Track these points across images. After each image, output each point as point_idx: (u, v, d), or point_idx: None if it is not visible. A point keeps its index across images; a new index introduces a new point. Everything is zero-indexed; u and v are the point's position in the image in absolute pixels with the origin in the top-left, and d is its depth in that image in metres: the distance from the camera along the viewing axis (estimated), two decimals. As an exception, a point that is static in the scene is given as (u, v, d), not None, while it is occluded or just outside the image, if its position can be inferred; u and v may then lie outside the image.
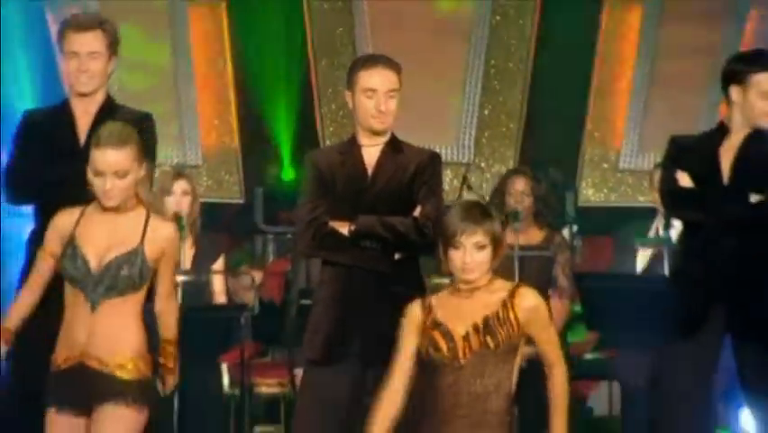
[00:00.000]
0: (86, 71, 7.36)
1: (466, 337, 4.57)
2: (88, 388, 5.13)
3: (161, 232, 5.25)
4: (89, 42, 7.33)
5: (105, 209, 5.20)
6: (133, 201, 5.26)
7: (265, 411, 10.96)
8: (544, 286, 9.76)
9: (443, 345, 4.59)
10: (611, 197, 13.46)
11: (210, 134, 13.66)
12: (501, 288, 4.67)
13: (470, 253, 4.57)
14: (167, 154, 10.01)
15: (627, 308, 9.22)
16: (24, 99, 11.98)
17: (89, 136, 7.00)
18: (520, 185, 10.29)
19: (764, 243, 7.58)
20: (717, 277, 7.46)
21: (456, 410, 4.60)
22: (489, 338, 4.53)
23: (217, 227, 11.49)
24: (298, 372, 7.91)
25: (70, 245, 5.15)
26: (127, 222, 5.19)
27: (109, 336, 5.13)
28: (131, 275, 5.06)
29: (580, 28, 13.90)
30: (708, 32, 13.82)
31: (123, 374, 5.11)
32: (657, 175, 8.63)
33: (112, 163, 5.15)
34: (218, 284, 10.06)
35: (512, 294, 4.60)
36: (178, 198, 9.77)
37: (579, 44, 13.82)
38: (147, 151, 7.04)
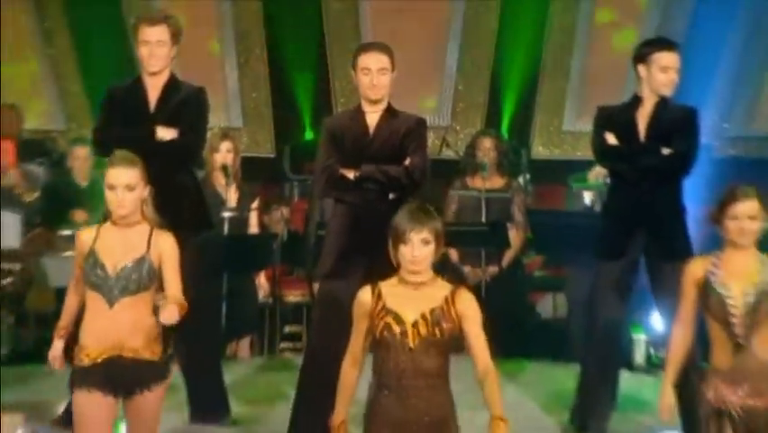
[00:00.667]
0: (155, 56, 7.41)
1: (415, 324, 4.34)
2: (125, 374, 4.96)
3: (163, 242, 5.12)
4: (157, 34, 7.37)
5: (116, 224, 5.08)
6: (140, 217, 5.09)
7: (292, 315, 10.91)
8: (504, 220, 10.02)
9: (395, 328, 4.35)
10: (555, 152, 13.47)
11: (249, 104, 13.72)
12: (443, 286, 4.48)
13: (418, 248, 4.34)
14: (215, 120, 9.59)
15: (566, 236, 9.73)
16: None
17: (158, 104, 7.47)
18: (487, 143, 10.45)
19: (671, 185, 7.76)
20: (635, 212, 7.61)
21: (408, 382, 4.37)
22: (436, 329, 4.32)
23: (255, 176, 11.45)
24: (316, 285, 8.03)
25: (91, 256, 4.99)
26: (135, 235, 5.06)
27: (130, 328, 4.98)
28: (140, 278, 4.95)
29: (533, 25, 13.72)
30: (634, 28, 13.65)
31: (153, 357, 5.00)
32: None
33: (123, 179, 4.99)
34: (254, 219, 10.26)
35: (453, 293, 4.41)
36: (224, 154, 9.89)
37: (533, 38, 13.63)
38: (201, 117, 7.72)
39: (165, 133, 7.39)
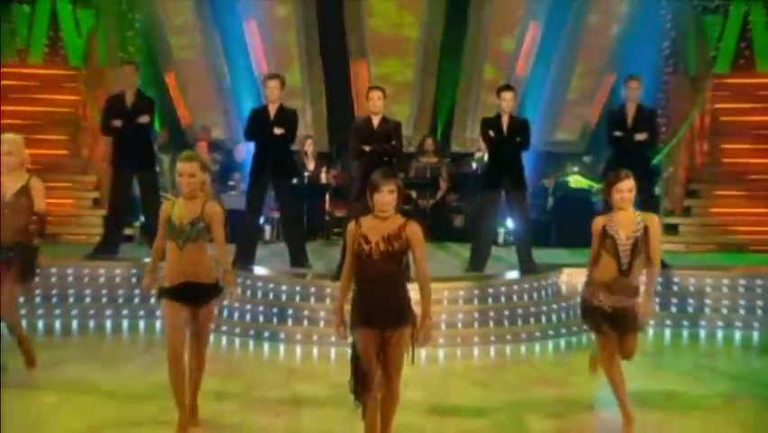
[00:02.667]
0: (273, 94, 8.14)
1: (377, 243, 4.16)
2: (192, 293, 4.73)
3: (211, 209, 4.74)
4: (274, 84, 8.08)
5: (184, 198, 4.76)
6: (199, 193, 4.76)
7: (338, 222, 10.41)
8: (437, 177, 10.67)
9: (365, 246, 4.17)
10: (462, 147, 12.18)
11: (320, 113, 12.25)
12: (400, 219, 4.24)
13: (386, 195, 4.14)
14: (301, 131, 9.21)
15: (466, 184, 10.80)
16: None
17: (275, 116, 8.10)
18: (429, 141, 11.11)
19: (518, 157, 8.33)
20: (501, 169, 8.29)
21: (376, 280, 4.20)
22: (390, 246, 4.15)
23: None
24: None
25: (169, 218, 4.72)
26: (195, 205, 4.72)
27: (195, 263, 4.74)
28: (199, 230, 4.70)
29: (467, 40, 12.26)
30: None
31: (211, 280, 4.79)
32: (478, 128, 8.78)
33: (186, 170, 4.69)
34: (323, 177, 10.71)
35: (405, 223, 4.20)
36: (307, 146, 10.62)
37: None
38: (295, 124, 8.26)
39: (278, 130, 8.04)
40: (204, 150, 10.86)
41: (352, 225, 4.24)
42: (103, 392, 5.69)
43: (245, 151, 10.52)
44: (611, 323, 4.77)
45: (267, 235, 10.21)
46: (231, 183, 10.70)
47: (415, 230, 4.18)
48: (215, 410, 5.40)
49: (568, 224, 10.04)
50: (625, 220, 4.70)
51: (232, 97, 12.19)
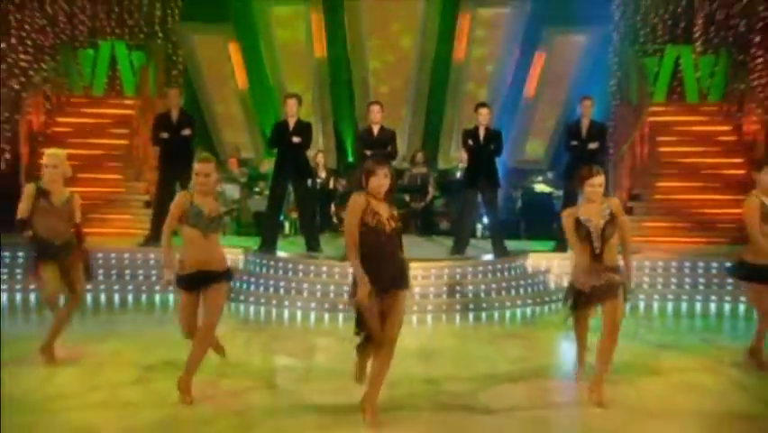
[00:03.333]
0: (291, 111, 8.08)
1: (388, 219, 3.99)
2: (206, 279, 4.46)
3: (218, 206, 4.56)
4: (292, 103, 8.05)
5: (200, 193, 4.47)
6: (214, 189, 4.57)
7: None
8: (426, 184, 10.42)
9: (376, 220, 3.96)
10: (447, 164, 11.93)
11: (329, 134, 12.20)
12: (388, 203, 4.08)
13: (381, 178, 3.97)
14: (313, 147, 9.04)
15: (450, 188, 10.62)
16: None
17: (294, 128, 8.05)
18: (420, 154, 10.78)
19: (493, 162, 8.25)
20: (479, 172, 8.21)
21: (385, 254, 3.99)
22: (396, 223, 4.04)
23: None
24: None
25: (193, 209, 4.41)
26: (213, 200, 4.51)
27: (212, 250, 4.50)
28: (220, 222, 4.53)
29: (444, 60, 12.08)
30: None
31: (222, 268, 4.52)
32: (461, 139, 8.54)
33: (203, 169, 4.46)
34: (331, 183, 10.51)
35: (390, 207, 4.07)
36: (318, 158, 10.31)
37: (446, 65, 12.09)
38: (310, 134, 8.14)
39: (296, 139, 8.02)
40: (234, 165, 11.04)
41: (362, 199, 4.01)
42: (153, 342, 6.03)
43: (268, 165, 10.54)
44: (591, 301, 4.57)
45: (286, 230, 10.19)
46: (256, 189, 10.78)
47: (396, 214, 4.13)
48: (246, 354, 5.75)
49: (533, 220, 10.27)
50: (594, 210, 4.54)
51: (257, 124, 12.32)
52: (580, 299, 4.62)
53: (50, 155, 5.28)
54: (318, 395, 4.69)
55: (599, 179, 4.53)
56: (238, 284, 7.87)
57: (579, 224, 4.52)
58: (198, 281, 4.48)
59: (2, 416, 4.01)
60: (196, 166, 4.50)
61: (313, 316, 7.36)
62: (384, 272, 4.00)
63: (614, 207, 4.57)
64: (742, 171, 9.86)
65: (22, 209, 5.13)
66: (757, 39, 10.41)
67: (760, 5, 10.34)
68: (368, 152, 7.67)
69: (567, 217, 4.61)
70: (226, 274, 4.57)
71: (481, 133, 8.19)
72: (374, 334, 4.02)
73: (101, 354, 5.63)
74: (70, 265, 5.27)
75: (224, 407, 4.46)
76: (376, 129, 8.10)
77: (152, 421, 4.19)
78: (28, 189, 5.20)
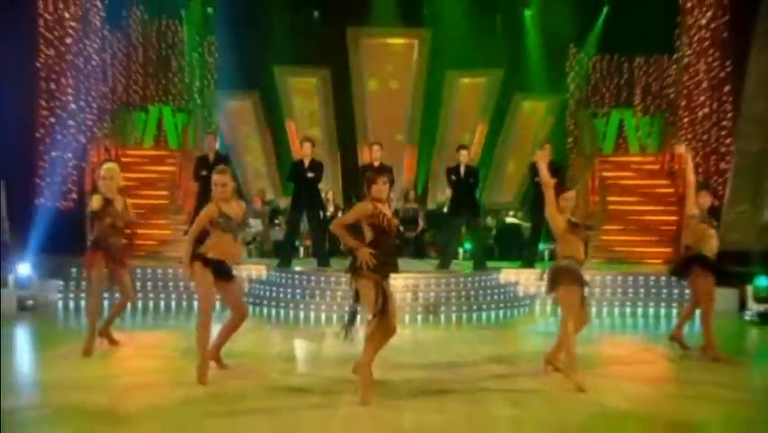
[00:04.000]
0: (306, 152, 8.10)
1: (390, 219, 3.91)
2: (223, 270, 4.33)
3: (239, 208, 4.40)
4: (307, 147, 8.06)
5: (220, 201, 4.32)
6: (231, 196, 4.37)
7: None
8: (416, 217, 10.29)
9: (386, 221, 3.87)
10: (437, 201, 11.67)
11: (336, 176, 12.32)
12: (388, 206, 3.99)
13: (380, 185, 3.87)
14: (323, 186, 8.97)
15: (436, 221, 10.34)
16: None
17: (309, 165, 8.08)
18: (411, 192, 10.90)
19: (473, 195, 8.31)
20: (462, 204, 8.32)
21: (392, 246, 3.97)
22: (396, 221, 3.96)
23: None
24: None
25: (222, 216, 4.26)
26: (235, 204, 4.37)
27: (237, 248, 4.41)
28: (245, 225, 4.51)
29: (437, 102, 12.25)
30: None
31: (237, 264, 4.49)
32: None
33: (220, 180, 4.32)
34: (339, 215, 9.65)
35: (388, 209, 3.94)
36: (326, 191, 10.12)
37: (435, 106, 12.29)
38: (322, 170, 8.12)
39: (310, 174, 8.06)
40: (258, 203, 11.22)
41: (368, 205, 3.92)
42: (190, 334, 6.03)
43: (285, 202, 10.67)
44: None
45: (301, 255, 10.27)
46: (276, 222, 10.87)
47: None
48: (268, 342, 6.02)
49: (505, 245, 10.50)
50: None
51: (276, 171, 12.53)
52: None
53: (107, 169, 5.23)
54: (322, 376, 4.70)
55: (571, 194, 4.53)
56: (262, 291, 8.08)
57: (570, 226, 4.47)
58: (217, 269, 4.32)
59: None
60: (215, 177, 4.37)
61: (323, 316, 7.49)
62: (391, 260, 4.00)
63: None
64: (673, 218, 9.88)
65: (95, 206, 5.17)
66: (683, 103, 10.76)
67: (684, 77, 10.70)
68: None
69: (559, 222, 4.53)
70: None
71: (462, 169, 8.32)
72: (386, 308, 3.87)
73: (148, 340, 5.91)
74: (121, 264, 5.26)
75: (240, 383, 4.40)
76: (376, 164, 8.16)
77: (175, 398, 4.07)
78: (96, 199, 5.19)
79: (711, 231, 5.24)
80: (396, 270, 4.04)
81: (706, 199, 5.31)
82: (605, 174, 10.84)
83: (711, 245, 5.23)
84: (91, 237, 5.22)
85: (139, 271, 8.31)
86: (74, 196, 10.02)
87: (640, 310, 8.28)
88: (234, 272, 4.45)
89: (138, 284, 8.09)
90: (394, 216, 3.95)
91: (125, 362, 5.27)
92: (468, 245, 9.46)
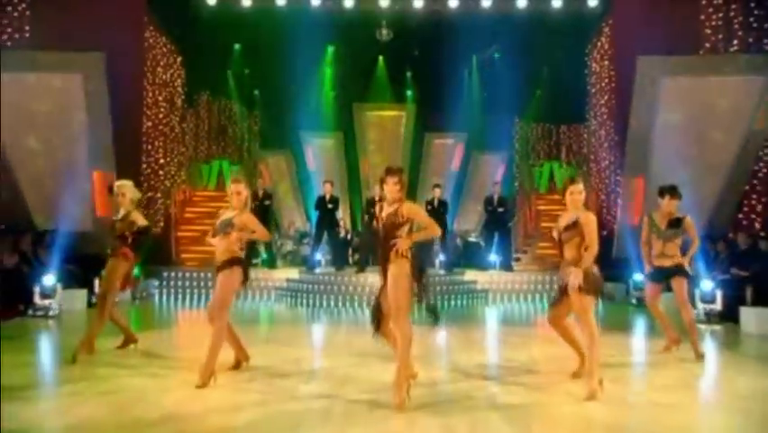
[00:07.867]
0: (328, 188, 8.38)
1: (380, 219, 3.39)
2: (219, 269, 3.79)
3: (244, 216, 3.77)
4: (330, 185, 8.36)
5: (237, 209, 3.82)
6: (245, 205, 3.85)
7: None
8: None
9: (376, 220, 3.44)
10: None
11: (347, 203, 12.16)
12: (399, 204, 3.40)
13: (392, 185, 3.36)
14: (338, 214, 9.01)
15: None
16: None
17: (328, 201, 8.34)
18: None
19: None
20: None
21: (387, 247, 3.36)
22: (392, 220, 3.35)
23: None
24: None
25: (220, 222, 3.81)
26: (238, 213, 3.80)
27: (218, 244, 3.80)
28: (225, 227, 3.76)
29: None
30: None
31: (231, 257, 3.77)
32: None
33: (235, 189, 3.82)
34: (349, 237, 10.39)
35: (400, 206, 3.38)
36: (342, 216, 10.39)
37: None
38: (337, 206, 8.34)
39: (330, 205, 8.37)
40: (290, 228, 11.51)
41: (376, 207, 3.58)
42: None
43: (309, 226, 10.84)
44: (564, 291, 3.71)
45: (323, 263, 9.97)
46: (305, 241, 10.86)
47: (409, 207, 3.41)
48: (290, 333, 5.76)
49: (468, 257, 10.52)
50: (565, 216, 3.75)
51: (303, 206, 12.65)
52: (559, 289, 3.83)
53: (118, 186, 4.56)
54: (337, 357, 4.57)
55: (578, 187, 3.70)
56: (296, 286, 8.27)
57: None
58: (218, 269, 3.85)
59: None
60: (231, 186, 3.87)
61: (341, 306, 7.76)
62: (374, 255, 3.70)
63: (582, 217, 3.67)
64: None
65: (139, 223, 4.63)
66: (592, 157, 11.22)
67: (592, 140, 11.09)
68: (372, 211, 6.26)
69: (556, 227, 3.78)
70: (233, 262, 3.80)
71: (435, 201, 8.61)
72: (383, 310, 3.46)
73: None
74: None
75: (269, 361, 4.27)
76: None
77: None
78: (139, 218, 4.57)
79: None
80: (374, 264, 3.94)
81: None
82: (540, 207, 11.57)
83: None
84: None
85: (202, 274, 8.60)
86: (161, 224, 10.46)
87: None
88: (226, 269, 3.76)
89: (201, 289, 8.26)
90: (387, 218, 3.39)
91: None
92: (442, 257, 9.56)
